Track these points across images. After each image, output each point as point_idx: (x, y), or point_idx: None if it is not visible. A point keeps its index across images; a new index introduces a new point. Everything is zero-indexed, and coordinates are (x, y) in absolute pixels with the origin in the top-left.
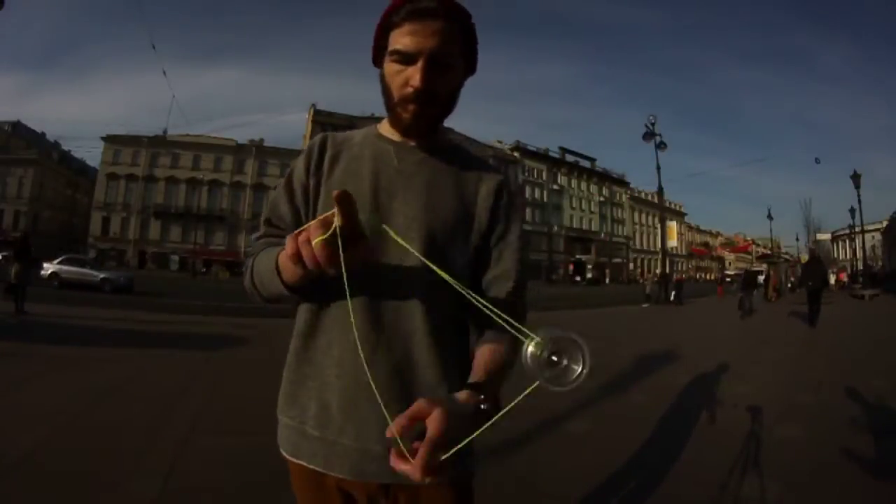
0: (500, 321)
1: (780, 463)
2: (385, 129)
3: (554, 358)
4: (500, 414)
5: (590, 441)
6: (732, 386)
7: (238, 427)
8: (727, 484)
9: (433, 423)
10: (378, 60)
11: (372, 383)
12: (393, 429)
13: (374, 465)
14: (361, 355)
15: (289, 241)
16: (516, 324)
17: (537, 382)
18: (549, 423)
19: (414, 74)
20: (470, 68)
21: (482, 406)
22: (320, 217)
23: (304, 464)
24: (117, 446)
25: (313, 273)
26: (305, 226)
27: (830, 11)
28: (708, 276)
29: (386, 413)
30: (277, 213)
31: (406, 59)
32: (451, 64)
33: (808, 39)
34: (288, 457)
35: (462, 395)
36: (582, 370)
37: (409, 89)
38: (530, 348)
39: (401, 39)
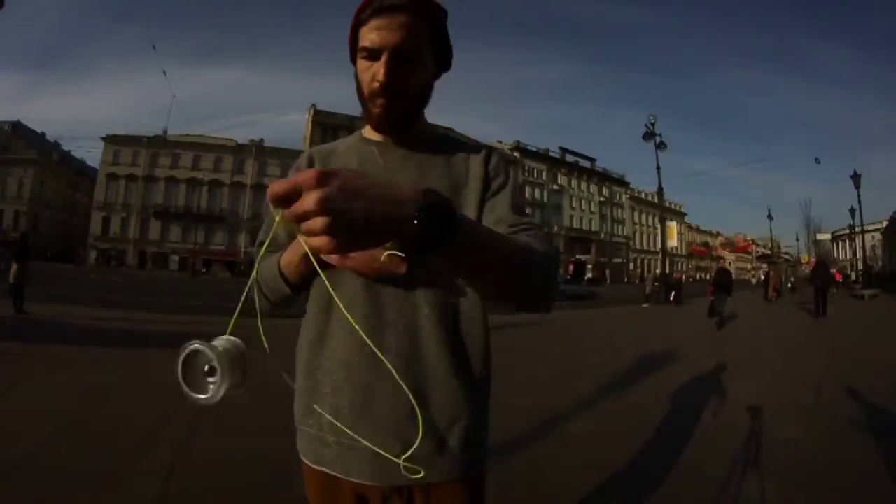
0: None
1: (780, 463)
2: (368, 131)
3: (208, 366)
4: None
5: (590, 441)
6: (732, 386)
7: (238, 427)
8: (727, 484)
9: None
10: (354, 59)
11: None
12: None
13: (391, 466)
14: (364, 355)
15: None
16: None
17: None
18: (550, 423)
19: (379, 69)
20: (443, 63)
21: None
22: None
23: (326, 470)
24: (117, 446)
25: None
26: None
27: (830, 11)
28: (706, 276)
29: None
30: (275, 239)
31: (372, 54)
32: (416, 58)
33: (807, 39)
34: (310, 464)
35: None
36: (214, 394)
37: (376, 84)
38: (193, 345)
39: (367, 36)
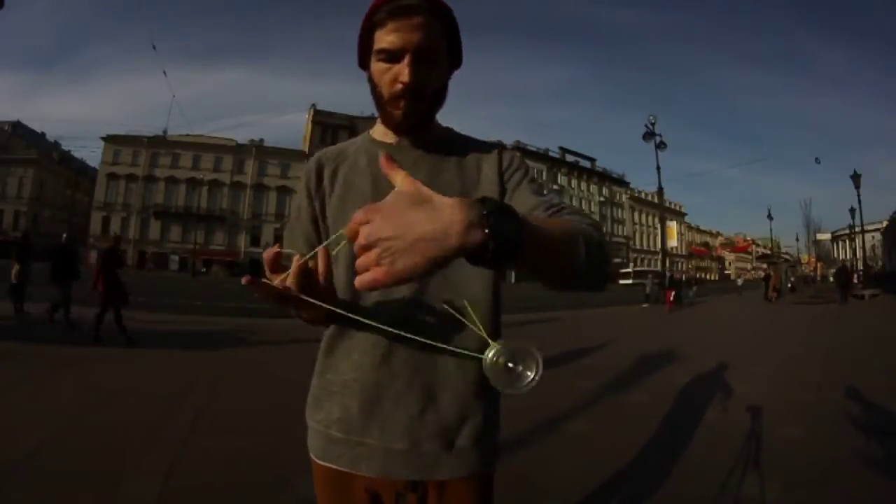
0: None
1: (780, 463)
2: (378, 132)
3: (510, 364)
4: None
5: (590, 441)
6: (732, 386)
7: (238, 427)
8: (727, 484)
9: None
10: (364, 62)
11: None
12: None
13: (399, 463)
14: (378, 357)
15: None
16: (481, 330)
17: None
18: (550, 423)
19: (402, 71)
20: (455, 62)
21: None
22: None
23: (332, 465)
24: (117, 446)
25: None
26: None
27: (830, 12)
28: (707, 276)
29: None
30: (293, 244)
31: (392, 56)
32: (436, 58)
33: (807, 40)
34: (316, 459)
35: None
36: (534, 377)
37: (399, 86)
38: (489, 354)
39: (385, 38)
